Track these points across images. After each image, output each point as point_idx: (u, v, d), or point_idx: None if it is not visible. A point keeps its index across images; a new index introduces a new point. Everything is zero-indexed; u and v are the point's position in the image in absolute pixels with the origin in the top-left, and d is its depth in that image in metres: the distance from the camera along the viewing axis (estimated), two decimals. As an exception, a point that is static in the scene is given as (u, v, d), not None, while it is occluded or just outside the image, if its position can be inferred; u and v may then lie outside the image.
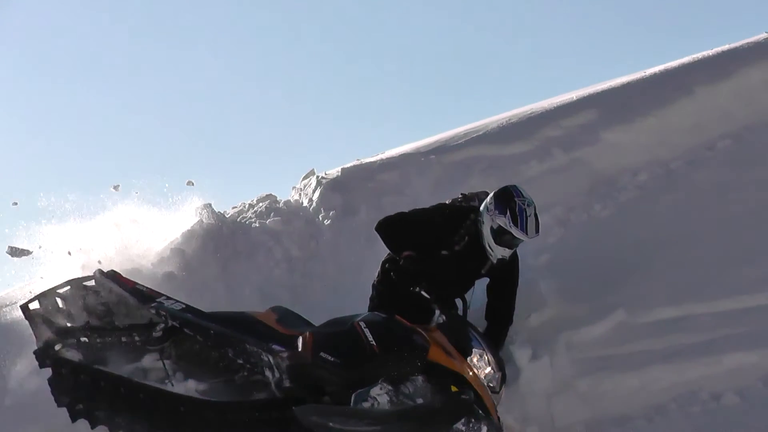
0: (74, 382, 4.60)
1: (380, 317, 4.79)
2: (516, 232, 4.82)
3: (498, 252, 4.95)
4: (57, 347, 4.89)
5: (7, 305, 6.77)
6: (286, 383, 4.71)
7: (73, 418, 4.56)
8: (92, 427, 4.53)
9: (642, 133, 8.10)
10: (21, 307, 5.20)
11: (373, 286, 5.33)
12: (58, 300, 5.25)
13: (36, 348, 4.90)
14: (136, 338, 5.08)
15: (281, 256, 7.44)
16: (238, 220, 8.10)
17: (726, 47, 9.61)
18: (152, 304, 5.13)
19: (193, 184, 8.05)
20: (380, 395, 4.30)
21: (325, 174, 8.51)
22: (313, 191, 8.26)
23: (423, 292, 4.87)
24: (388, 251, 5.25)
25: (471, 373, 4.45)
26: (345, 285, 6.93)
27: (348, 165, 8.66)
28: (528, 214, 4.84)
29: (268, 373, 4.80)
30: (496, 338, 5.12)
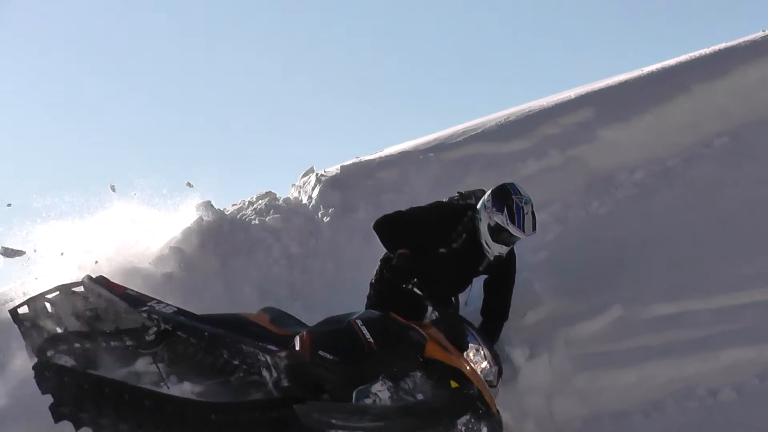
0: (59, 385, 4.57)
1: (376, 315, 4.79)
2: (513, 230, 4.82)
3: (495, 249, 4.95)
4: (49, 353, 4.90)
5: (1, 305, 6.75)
6: (284, 382, 4.70)
7: (57, 419, 4.51)
8: (76, 429, 4.48)
9: (639, 131, 8.10)
10: (9, 311, 5.21)
11: (371, 284, 5.33)
12: (47, 305, 5.23)
13: (28, 353, 4.94)
14: (128, 342, 5.05)
15: (281, 254, 7.43)
16: (238, 217, 8.10)
17: (723, 45, 9.61)
18: (144, 308, 5.10)
19: (192, 186, 8.06)
20: (381, 391, 4.30)
21: (325, 172, 8.50)
22: (313, 189, 8.26)
23: (415, 289, 4.87)
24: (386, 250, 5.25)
25: (468, 368, 4.45)
26: (344, 282, 6.93)
27: (347, 163, 8.66)
28: (525, 211, 4.84)
29: (265, 373, 4.79)
30: (491, 333, 5.12)
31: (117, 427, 4.45)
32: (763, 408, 4.74)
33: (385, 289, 5.16)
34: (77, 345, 4.99)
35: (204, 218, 7.74)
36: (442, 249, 5.02)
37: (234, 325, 5.00)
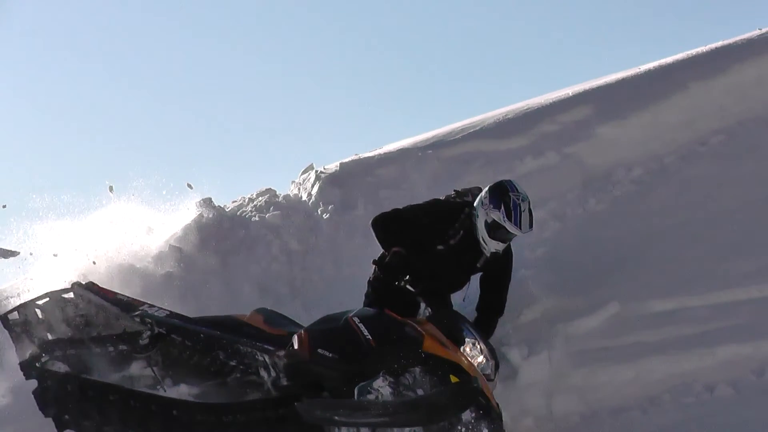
0: (61, 393, 4.54)
1: (373, 312, 4.78)
2: (510, 227, 4.80)
3: (492, 246, 4.93)
4: (43, 360, 4.87)
5: None
6: (283, 381, 4.67)
7: (60, 428, 4.52)
8: None
9: (636, 129, 8.08)
10: (0, 317, 5.18)
11: (369, 282, 5.31)
12: (37, 311, 5.20)
13: (20, 360, 4.88)
14: (122, 347, 5.01)
15: (280, 250, 7.42)
16: (238, 214, 8.09)
17: (719, 44, 9.56)
18: (136, 312, 5.07)
19: (192, 188, 8.04)
20: (383, 387, 4.28)
21: (324, 168, 8.49)
22: (312, 185, 8.25)
23: (408, 286, 4.86)
24: None
25: (466, 362, 4.44)
26: (343, 278, 6.92)
27: (346, 159, 8.64)
28: (522, 209, 4.81)
29: (263, 372, 4.76)
30: (486, 328, 5.09)
31: None
32: (759, 404, 4.74)
33: (382, 287, 5.14)
34: (70, 351, 4.96)
35: (204, 215, 7.72)
36: (439, 246, 5.00)
37: (228, 327, 4.97)
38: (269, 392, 4.73)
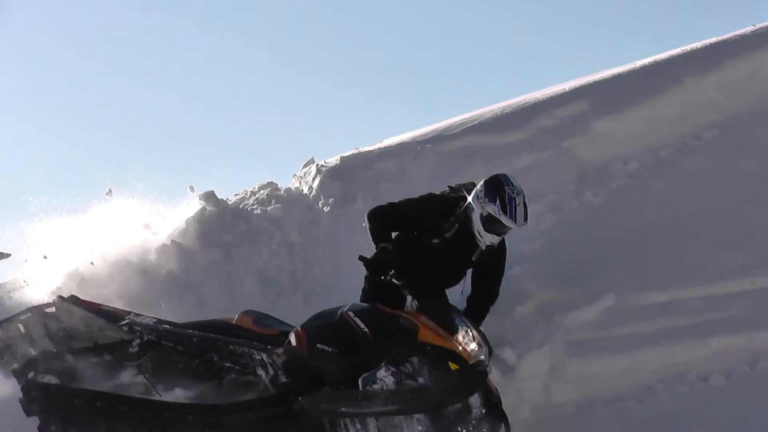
0: (47, 403, 4.51)
1: (365, 306, 4.77)
2: (505, 220, 4.78)
3: (487, 239, 4.91)
4: (31, 374, 4.80)
5: None
6: (282, 379, 4.64)
7: None
8: None
9: (632, 123, 8.07)
10: None
11: (366, 278, 5.30)
12: (20, 326, 5.14)
13: (12, 369, 4.84)
14: (111, 357, 4.96)
15: (282, 242, 7.42)
16: (240, 206, 8.09)
17: (714, 40, 9.57)
18: (123, 322, 5.04)
19: (194, 190, 8.05)
20: (386, 377, 4.26)
21: (325, 162, 8.48)
22: (313, 179, 8.25)
23: (393, 280, 4.87)
24: None
25: (461, 349, 4.45)
26: (343, 270, 6.91)
27: (347, 153, 8.63)
28: (517, 202, 4.79)
29: (260, 371, 4.73)
30: (477, 316, 5.08)
31: None
32: (752, 393, 4.75)
33: (379, 283, 5.13)
34: (58, 364, 4.88)
35: (207, 208, 7.73)
36: (435, 240, 4.98)
37: (218, 330, 4.94)
38: (266, 391, 4.69)
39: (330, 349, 4.45)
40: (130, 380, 4.91)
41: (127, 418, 4.41)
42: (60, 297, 5.24)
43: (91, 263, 6.67)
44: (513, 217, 4.77)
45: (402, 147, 8.44)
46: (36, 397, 4.46)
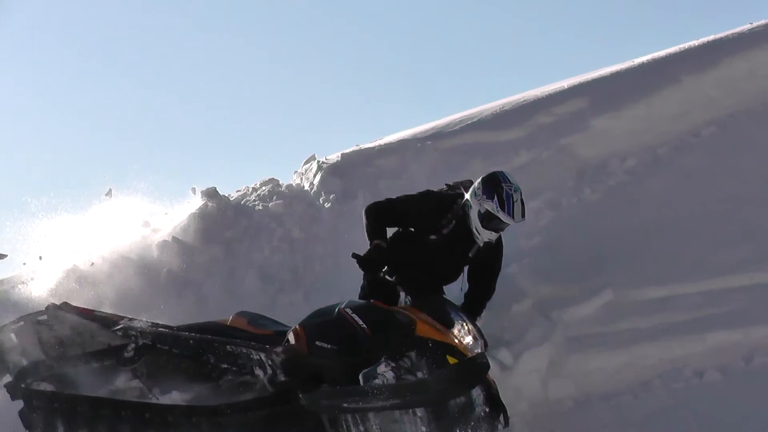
0: (48, 411, 4.45)
1: (362, 303, 4.77)
2: (503, 217, 4.76)
3: (485, 235, 4.89)
4: (28, 381, 4.75)
5: None
6: (281, 377, 4.62)
7: None
8: None
9: (630, 120, 8.04)
10: None
11: (365, 275, 5.27)
12: (12, 336, 5.02)
13: (5, 383, 4.77)
14: (106, 362, 4.91)
15: (283, 238, 7.41)
16: (242, 202, 8.08)
17: (711, 38, 9.52)
18: (118, 327, 5.00)
19: (195, 192, 8.03)
20: (386, 372, 4.25)
21: (326, 159, 8.47)
22: (314, 175, 8.24)
23: (386, 277, 4.84)
24: None
25: (457, 342, 4.44)
26: (344, 266, 6.87)
27: (348, 150, 8.62)
28: (515, 199, 4.77)
29: (258, 371, 4.70)
30: (473, 312, 5.06)
31: None
32: (748, 388, 4.74)
33: (377, 280, 5.11)
34: (54, 370, 4.84)
35: (209, 204, 7.72)
36: (432, 236, 4.96)
37: (214, 332, 4.91)
38: (264, 391, 4.66)
39: (329, 346, 4.43)
40: (125, 385, 4.87)
41: (129, 422, 4.39)
42: (52, 304, 5.14)
43: (92, 264, 6.64)
44: (511, 214, 4.75)
45: (402, 144, 8.42)
46: (38, 406, 4.44)
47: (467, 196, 4.92)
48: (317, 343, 4.47)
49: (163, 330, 4.97)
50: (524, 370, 5.04)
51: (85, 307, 5.28)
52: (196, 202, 7.81)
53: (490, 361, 4.26)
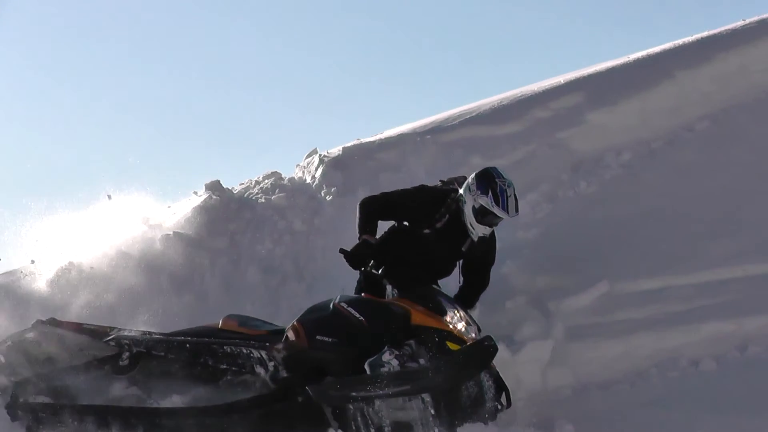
0: (54, 424, 4.45)
1: (355, 297, 4.79)
2: (498, 212, 4.75)
3: (479, 230, 4.89)
4: (22, 399, 4.71)
5: None
6: (283, 374, 4.63)
7: None
8: None
9: (625, 115, 8.03)
10: None
11: (360, 270, 5.26)
12: (1, 357, 4.95)
13: (5, 405, 4.71)
14: (100, 372, 4.87)
15: (285, 230, 7.40)
16: (245, 196, 8.09)
17: (705, 34, 9.51)
18: (109, 337, 4.94)
19: (197, 194, 8.02)
20: (391, 360, 4.26)
21: (327, 153, 8.46)
22: (316, 169, 8.23)
23: (373, 271, 4.84)
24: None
25: (452, 328, 4.45)
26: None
27: (349, 144, 8.61)
28: (509, 194, 4.77)
29: (259, 369, 4.69)
30: (468, 303, 5.06)
31: None
32: (742, 378, 4.72)
33: (373, 275, 5.10)
34: (48, 385, 4.79)
35: (212, 197, 7.71)
36: (426, 230, 4.96)
37: (207, 335, 4.89)
38: (264, 388, 4.66)
39: (330, 339, 4.45)
40: (123, 393, 4.83)
41: (139, 428, 4.38)
42: (38, 321, 5.06)
43: (91, 267, 6.60)
44: (505, 209, 4.75)
45: (402, 138, 8.41)
46: (44, 419, 4.41)
47: (461, 191, 4.91)
48: (318, 337, 4.48)
49: (157, 337, 4.94)
50: (523, 359, 5.03)
51: (72, 321, 5.21)
52: (201, 195, 7.80)
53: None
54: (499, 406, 4.35)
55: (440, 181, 5.27)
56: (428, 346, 4.35)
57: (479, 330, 4.63)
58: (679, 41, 9.49)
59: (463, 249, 4.99)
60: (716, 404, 4.51)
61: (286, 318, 5.11)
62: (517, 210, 4.82)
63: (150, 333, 5.01)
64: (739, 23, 9.50)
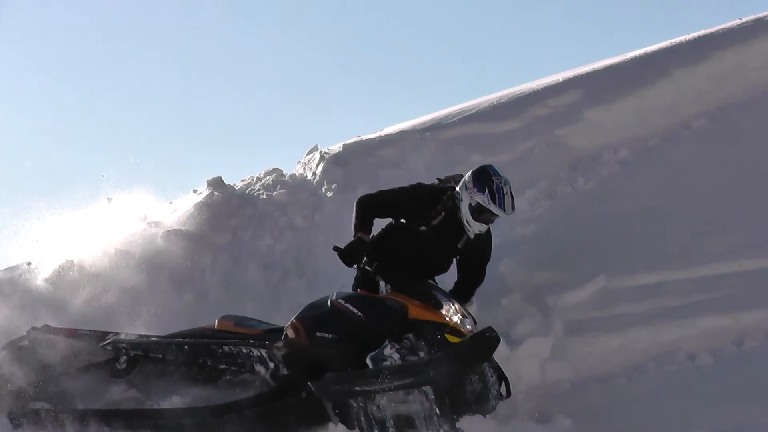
0: (53, 427, 4.44)
1: (352, 293, 4.80)
2: (494, 209, 4.75)
3: (476, 227, 4.88)
4: (23, 406, 4.69)
5: None
6: (283, 371, 4.62)
7: None
8: None
9: (623, 113, 8.01)
10: None
11: (358, 267, 5.24)
12: None
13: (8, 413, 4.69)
14: (98, 377, 4.85)
15: (286, 226, 7.39)
16: (247, 192, 8.07)
17: (702, 32, 9.49)
18: (106, 342, 4.91)
19: (196, 192, 7.99)
20: (393, 354, 4.25)
21: (328, 149, 8.45)
22: (317, 165, 8.22)
23: (366, 267, 4.83)
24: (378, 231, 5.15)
25: (448, 320, 4.44)
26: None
27: (349, 141, 8.59)
28: (505, 192, 4.76)
29: (259, 367, 4.68)
30: (463, 299, 5.04)
31: None
32: (738, 371, 4.71)
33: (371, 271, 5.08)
34: (48, 391, 4.78)
35: (214, 193, 7.70)
36: (422, 227, 4.94)
37: (204, 336, 4.87)
38: (263, 387, 4.64)
39: (330, 335, 4.45)
40: (122, 396, 4.80)
41: (141, 430, 4.36)
42: (32, 328, 5.03)
43: (92, 266, 6.58)
44: (502, 206, 4.75)
45: (402, 135, 8.40)
46: (45, 425, 4.39)
47: (457, 188, 4.90)
48: (318, 334, 4.48)
49: (154, 339, 4.92)
50: (523, 354, 5.02)
51: (67, 327, 5.17)
52: (201, 193, 7.79)
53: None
54: (500, 396, 4.33)
55: (437, 179, 5.26)
56: (427, 339, 4.34)
57: (475, 322, 4.62)
58: (677, 40, 9.47)
59: (459, 246, 4.98)
60: (713, 398, 4.50)
61: (287, 314, 5.09)
62: (513, 207, 4.82)
63: (147, 336, 4.99)
64: (736, 22, 9.48)
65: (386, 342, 4.28)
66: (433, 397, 4.07)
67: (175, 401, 4.63)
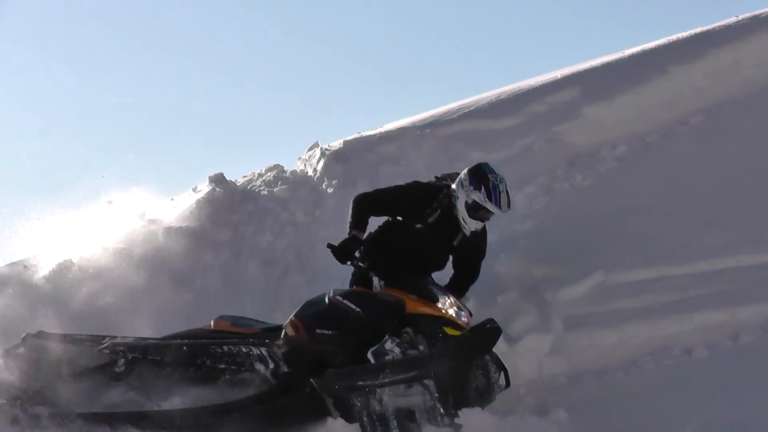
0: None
1: (348, 290, 4.80)
2: (491, 207, 4.74)
3: (472, 225, 4.87)
4: (24, 411, 4.63)
5: None
6: (284, 369, 4.60)
7: None
8: None
9: (621, 109, 7.99)
10: None
11: (356, 264, 5.23)
12: None
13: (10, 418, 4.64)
14: (96, 380, 4.79)
15: (287, 222, 7.39)
16: (248, 188, 8.07)
17: (698, 30, 9.45)
18: (103, 345, 4.86)
19: (195, 190, 7.98)
20: (393, 348, 4.25)
21: (329, 146, 8.45)
22: (318, 162, 8.22)
23: (360, 264, 4.83)
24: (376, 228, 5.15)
25: (444, 312, 4.44)
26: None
27: (349, 138, 8.59)
28: (501, 190, 4.76)
29: (259, 365, 4.65)
30: (458, 290, 5.04)
31: None
32: (734, 365, 4.73)
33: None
34: (47, 396, 4.72)
35: (216, 189, 7.69)
36: (418, 224, 4.94)
37: (202, 337, 4.85)
38: (264, 385, 4.62)
39: (330, 332, 4.45)
40: (121, 398, 4.75)
41: (145, 431, 4.35)
42: (28, 334, 4.94)
43: (92, 264, 6.56)
44: (498, 204, 4.75)
45: (402, 131, 8.38)
46: (48, 430, 4.37)
47: (453, 186, 4.89)
48: (318, 331, 4.48)
49: (152, 341, 4.89)
50: (522, 350, 5.03)
51: (62, 332, 5.08)
52: (203, 189, 7.79)
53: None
54: (499, 387, 4.32)
55: (435, 177, 5.26)
56: (426, 332, 4.35)
57: (470, 315, 4.63)
58: (673, 37, 9.44)
59: (455, 243, 4.98)
60: (709, 391, 4.51)
61: (288, 310, 5.07)
62: (509, 205, 4.82)
63: (144, 338, 4.97)
64: (732, 19, 9.45)
65: (386, 337, 4.27)
66: (434, 390, 4.06)
67: (175, 402, 4.59)
